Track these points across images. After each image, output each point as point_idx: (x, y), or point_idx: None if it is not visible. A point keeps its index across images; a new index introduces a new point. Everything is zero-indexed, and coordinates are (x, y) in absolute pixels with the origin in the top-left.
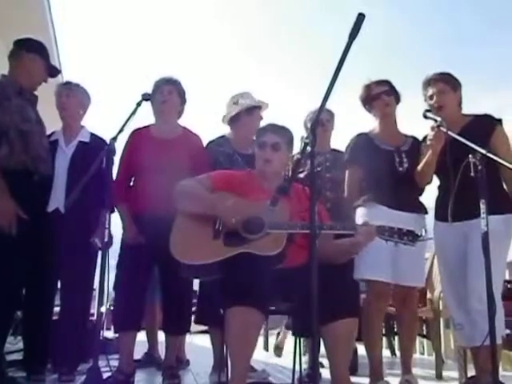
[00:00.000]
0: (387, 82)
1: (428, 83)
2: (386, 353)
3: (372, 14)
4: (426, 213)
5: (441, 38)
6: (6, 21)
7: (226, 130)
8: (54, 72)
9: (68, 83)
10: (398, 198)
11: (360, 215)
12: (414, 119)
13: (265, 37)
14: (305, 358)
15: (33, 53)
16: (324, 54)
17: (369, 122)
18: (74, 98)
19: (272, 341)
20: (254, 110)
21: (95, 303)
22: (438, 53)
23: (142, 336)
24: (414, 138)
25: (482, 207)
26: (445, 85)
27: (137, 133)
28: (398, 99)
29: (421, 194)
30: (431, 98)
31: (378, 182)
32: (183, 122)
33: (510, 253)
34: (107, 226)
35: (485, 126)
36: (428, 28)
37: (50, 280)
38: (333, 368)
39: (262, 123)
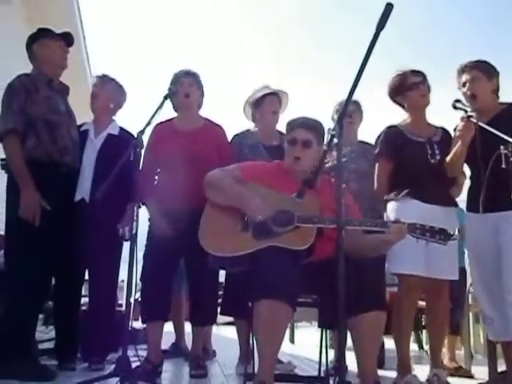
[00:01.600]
0: (421, 73)
1: (462, 70)
2: (413, 347)
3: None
4: (456, 206)
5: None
6: (36, 18)
7: (248, 125)
8: (68, 39)
9: (104, 75)
10: (432, 191)
11: (392, 210)
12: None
13: (291, 29)
14: (332, 351)
15: (39, 40)
16: (353, 45)
17: (396, 115)
18: (105, 90)
19: (298, 333)
20: (274, 96)
21: (123, 294)
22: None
23: (169, 327)
24: (444, 129)
25: None
26: (479, 72)
27: (160, 126)
28: (429, 90)
29: (451, 186)
30: (464, 85)
31: (411, 176)
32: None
33: None
34: (135, 219)
35: None
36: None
37: (77, 270)
38: (360, 361)
39: (290, 116)
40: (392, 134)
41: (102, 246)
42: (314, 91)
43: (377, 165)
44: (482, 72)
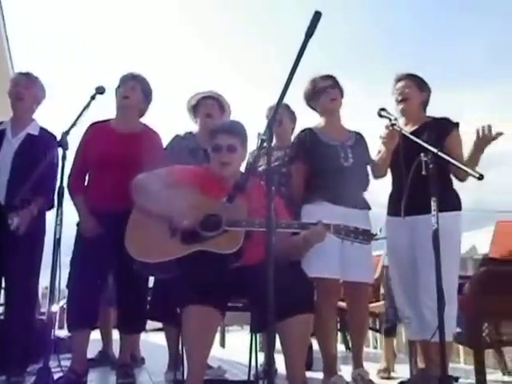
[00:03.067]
0: (331, 77)
1: (398, 79)
2: (340, 347)
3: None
4: (369, 208)
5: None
6: None
7: (193, 128)
8: None
9: (27, 74)
10: (344, 193)
11: (306, 212)
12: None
13: (224, 34)
14: (261, 355)
15: None
16: (287, 50)
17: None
18: (31, 90)
19: (229, 337)
20: (208, 99)
21: (46, 301)
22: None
23: (95, 334)
24: (358, 134)
25: (433, 204)
26: (412, 82)
27: (95, 126)
28: (341, 94)
29: (366, 190)
30: (397, 90)
31: (323, 178)
32: (147, 120)
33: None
34: (59, 223)
35: (441, 128)
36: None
37: None
38: (288, 364)
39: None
40: (305, 137)
41: (18, 251)
42: (249, 95)
43: (292, 167)
44: (414, 82)
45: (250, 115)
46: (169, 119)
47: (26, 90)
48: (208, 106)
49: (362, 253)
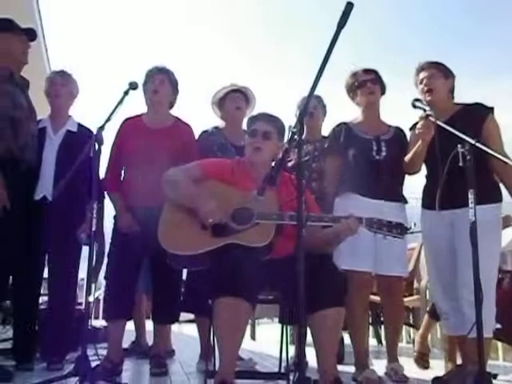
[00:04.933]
0: (374, 72)
1: (420, 69)
2: (372, 342)
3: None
4: (406, 202)
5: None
6: None
7: (218, 122)
8: (31, 34)
9: (62, 72)
10: (376, 186)
11: (338, 206)
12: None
13: (254, 30)
14: (292, 347)
15: (0, 33)
16: (316, 44)
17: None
18: (67, 87)
19: (259, 330)
20: (236, 92)
21: (83, 292)
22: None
23: (129, 325)
24: (398, 128)
25: (470, 197)
26: (436, 70)
27: (128, 122)
28: (383, 90)
29: (402, 183)
30: (421, 81)
31: (354, 171)
32: (175, 112)
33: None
34: (95, 217)
35: (475, 115)
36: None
37: (36, 269)
38: (319, 357)
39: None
40: (339, 131)
41: (61, 243)
42: (278, 89)
43: (326, 161)
44: (438, 70)
45: (276, 110)
46: (190, 113)
47: (62, 87)
48: (237, 99)
49: (396, 246)
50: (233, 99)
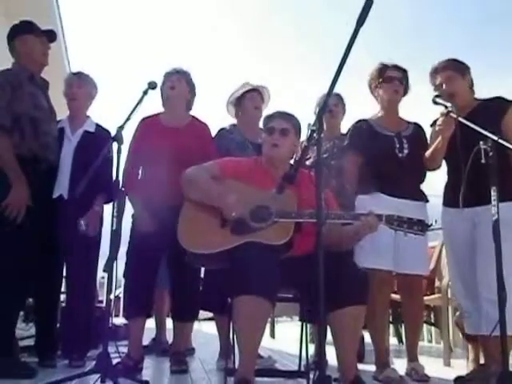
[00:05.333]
0: (404, 71)
1: (436, 71)
2: (393, 340)
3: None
4: (427, 201)
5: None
6: (13, 13)
7: (232, 121)
8: (51, 35)
9: (79, 73)
10: (399, 184)
11: (360, 202)
12: (420, 107)
13: (269, 27)
14: (311, 346)
15: (21, 35)
16: (335, 42)
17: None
18: (84, 89)
19: (278, 328)
20: (254, 92)
21: (104, 290)
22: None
23: (149, 322)
24: (417, 125)
25: (493, 194)
26: (453, 71)
27: (145, 121)
28: (406, 91)
29: (422, 181)
30: (441, 86)
31: (377, 169)
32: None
33: None
34: (116, 215)
35: (495, 109)
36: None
37: (57, 266)
38: (340, 355)
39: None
40: (360, 128)
41: (79, 242)
42: (298, 85)
43: (347, 159)
44: (455, 71)
45: (300, 109)
46: (208, 114)
47: (79, 89)
48: (255, 98)
49: (418, 244)
50: (251, 98)
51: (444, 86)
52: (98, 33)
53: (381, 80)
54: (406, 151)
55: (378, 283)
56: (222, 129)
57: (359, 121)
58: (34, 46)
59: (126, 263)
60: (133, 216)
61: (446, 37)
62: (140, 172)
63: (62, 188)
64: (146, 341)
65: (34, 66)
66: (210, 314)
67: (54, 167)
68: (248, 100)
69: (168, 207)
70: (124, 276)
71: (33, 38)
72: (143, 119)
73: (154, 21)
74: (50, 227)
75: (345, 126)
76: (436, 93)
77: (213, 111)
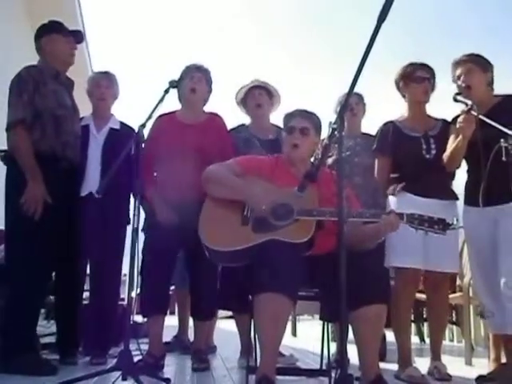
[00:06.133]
0: (432, 70)
1: (457, 64)
2: (415, 339)
3: None
4: (457, 199)
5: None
6: (35, 13)
7: (245, 120)
8: (78, 36)
9: (107, 73)
10: (427, 185)
11: (391, 204)
12: (443, 103)
13: (288, 23)
14: (333, 344)
15: (49, 34)
16: (352, 39)
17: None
18: (112, 90)
19: (300, 326)
20: (257, 89)
21: (126, 288)
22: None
23: (172, 320)
24: (445, 121)
25: None
26: (473, 65)
27: (163, 118)
28: (433, 89)
29: (452, 180)
30: (459, 78)
31: (406, 171)
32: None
33: None
34: (137, 212)
35: None
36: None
37: (79, 264)
38: (361, 354)
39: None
40: (387, 131)
41: (108, 239)
42: (319, 85)
43: (376, 161)
44: (476, 64)
45: (320, 107)
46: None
47: (107, 89)
48: (256, 96)
49: (448, 241)
50: (252, 97)
51: (462, 77)
52: (120, 30)
53: (410, 80)
54: (433, 152)
55: (404, 281)
56: (230, 129)
57: (386, 123)
58: (61, 45)
59: (142, 261)
60: (146, 213)
61: (466, 26)
62: (157, 169)
63: (90, 186)
64: (168, 337)
65: (60, 65)
66: (230, 313)
67: (76, 166)
68: (250, 99)
69: (185, 204)
70: (140, 274)
71: (60, 37)
72: (160, 116)
73: (172, 17)
74: (74, 224)
75: (365, 125)
76: (455, 90)
77: (228, 106)
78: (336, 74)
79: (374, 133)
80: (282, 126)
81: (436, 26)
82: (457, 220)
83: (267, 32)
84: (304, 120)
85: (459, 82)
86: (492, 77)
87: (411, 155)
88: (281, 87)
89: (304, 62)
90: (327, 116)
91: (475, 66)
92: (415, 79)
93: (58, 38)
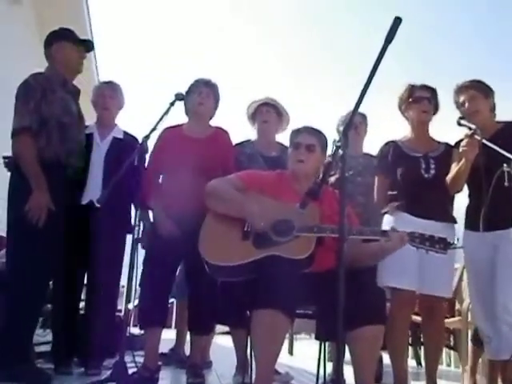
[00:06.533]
0: (432, 90)
1: (459, 90)
2: (411, 363)
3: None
4: (455, 222)
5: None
6: (46, 19)
7: (251, 135)
8: (88, 45)
9: (111, 83)
10: (426, 205)
11: (386, 223)
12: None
13: (288, 24)
14: (329, 364)
15: (59, 41)
16: (355, 62)
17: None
18: (116, 100)
19: (297, 345)
20: (265, 106)
21: (123, 299)
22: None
23: (169, 334)
24: (447, 145)
25: None
26: (476, 91)
27: (168, 130)
28: (436, 109)
29: (451, 202)
30: (463, 104)
31: (403, 190)
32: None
33: None
34: (138, 223)
35: None
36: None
37: (78, 273)
38: (357, 375)
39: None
40: (387, 150)
41: (107, 249)
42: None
43: (376, 179)
44: (478, 91)
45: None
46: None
47: (111, 99)
48: (264, 112)
49: (443, 265)
50: (261, 113)
51: (467, 104)
52: (127, 39)
53: (410, 101)
54: (432, 172)
55: (398, 303)
56: (235, 145)
57: (388, 142)
58: (70, 53)
59: (142, 273)
60: (150, 225)
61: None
62: (161, 181)
63: (91, 194)
64: (164, 349)
65: (69, 73)
66: (227, 328)
67: (79, 173)
68: (258, 115)
69: (187, 217)
70: (140, 285)
71: (70, 45)
72: (166, 128)
73: (183, 28)
74: (74, 232)
75: (367, 145)
76: (458, 115)
77: (235, 121)
78: (336, 74)
79: (375, 153)
80: (288, 144)
81: (442, 44)
82: (458, 239)
83: (267, 32)
84: (311, 137)
85: (464, 109)
86: (493, 102)
87: (409, 173)
88: (281, 87)
89: (304, 62)
90: (327, 116)
91: (478, 93)
92: (414, 100)
93: (69, 45)
